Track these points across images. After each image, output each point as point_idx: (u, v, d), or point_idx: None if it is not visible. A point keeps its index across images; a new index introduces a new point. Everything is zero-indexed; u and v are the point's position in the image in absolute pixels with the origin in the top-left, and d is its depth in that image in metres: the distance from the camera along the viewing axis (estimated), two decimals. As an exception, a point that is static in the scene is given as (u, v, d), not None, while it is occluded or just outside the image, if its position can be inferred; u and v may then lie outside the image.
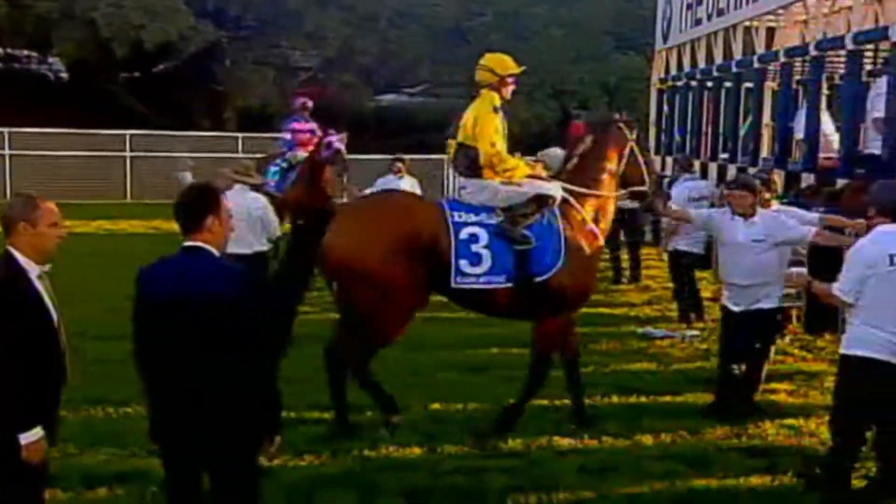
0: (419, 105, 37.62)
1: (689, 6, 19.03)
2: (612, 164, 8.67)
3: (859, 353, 6.53)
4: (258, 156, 18.56)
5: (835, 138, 12.85)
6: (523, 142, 23.73)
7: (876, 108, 11.23)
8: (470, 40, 36.37)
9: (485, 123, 8.23)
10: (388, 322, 8.10)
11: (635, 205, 10.31)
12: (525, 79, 30.69)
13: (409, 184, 15.18)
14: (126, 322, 5.05)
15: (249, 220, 10.70)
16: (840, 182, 11.31)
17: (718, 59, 17.35)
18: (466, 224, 8.08)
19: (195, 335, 4.83)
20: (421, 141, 29.91)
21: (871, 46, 12.30)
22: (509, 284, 8.11)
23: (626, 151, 8.73)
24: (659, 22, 21.56)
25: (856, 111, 11.79)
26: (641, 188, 8.80)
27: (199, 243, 4.96)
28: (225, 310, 4.82)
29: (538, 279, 8.12)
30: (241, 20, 34.68)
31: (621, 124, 8.88)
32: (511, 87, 8.67)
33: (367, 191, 14.55)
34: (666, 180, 14.19)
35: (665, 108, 20.32)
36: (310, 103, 17.74)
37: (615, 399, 9.24)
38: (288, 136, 17.25)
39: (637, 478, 7.18)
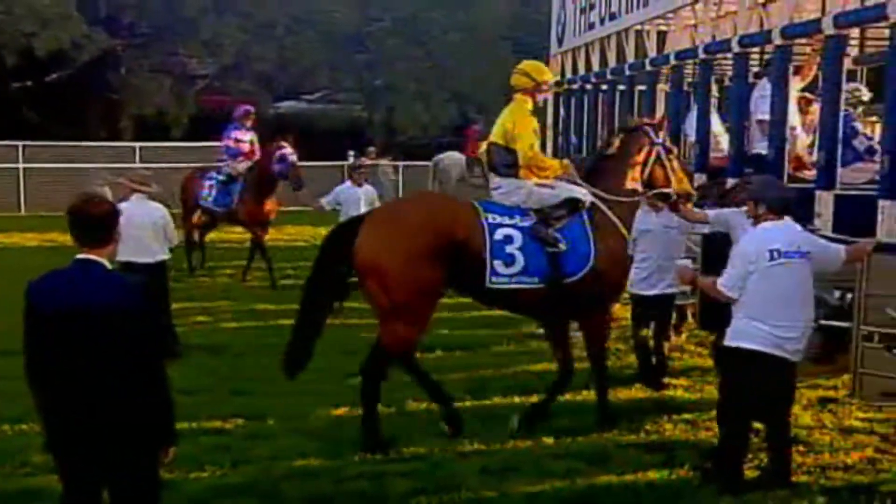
0: (318, 112, 37.49)
1: (583, 10, 19.20)
2: (637, 166, 8.88)
3: (743, 345, 6.88)
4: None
5: (724, 138, 13.06)
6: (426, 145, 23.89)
7: (760, 109, 11.46)
8: (368, 46, 36.37)
9: (523, 126, 8.56)
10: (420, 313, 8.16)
11: None
12: (424, 83, 30.76)
13: (366, 191, 14.77)
14: (19, 338, 4.93)
15: (154, 230, 10.71)
16: (730, 181, 11.49)
17: (612, 63, 17.52)
18: (501, 226, 8.24)
19: (90, 346, 4.80)
20: (320, 147, 29.85)
21: (756, 49, 12.54)
22: (542, 285, 8.28)
23: (652, 154, 8.90)
24: (553, 26, 21.72)
25: (742, 112, 12.01)
26: (666, 189, 8.94)
27: (92, 256, 4.94)
28: (119, 320, 4.82)
29: (569, 280, 8.31)
30: (136, 27, 34.19)
31: (647, 127, 9.08)
32: (546, 94, 9.07)
33: (323, 200, 14.41)
34: None
35: (562, 111, 20.48)
36: (252, 110, 17.39)
37: (516, 399, 9.27)
38: (231, 143, 16.85)
39: (538, 477, 7.24)
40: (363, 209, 12.52)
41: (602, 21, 17.84)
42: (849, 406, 8.79)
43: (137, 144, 30.08)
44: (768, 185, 7.50)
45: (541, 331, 11.93)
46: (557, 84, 21.26)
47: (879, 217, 8.77)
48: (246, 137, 16.85)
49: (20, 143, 28.22)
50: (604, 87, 18.07)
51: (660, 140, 8.97)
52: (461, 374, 10.06)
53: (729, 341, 7.06)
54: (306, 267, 8.85)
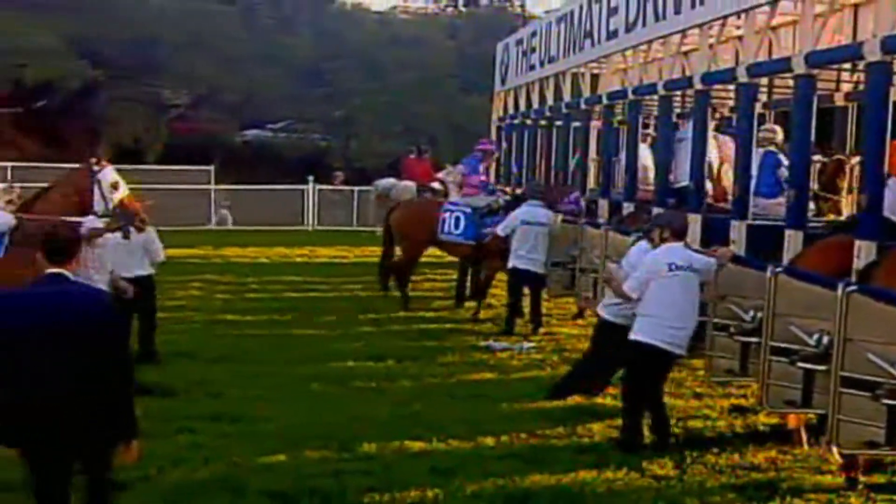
0: (282, 140, 37.50)
1: (525, 53, 19.37)
2: None
3: (640, 338, 8.08)
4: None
5: (652, 172, 13.22)
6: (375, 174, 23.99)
7: (683, 148, 11.64)
8: (328, 79, 36.37)
9: None
10: None
11: None
12: (381, 116, 30.71)
13: None
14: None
15: (130, 247, 10.51)
16: (654, 210, 11.67)
17: (550, 101, 17.69)
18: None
19: (63, 352, 4.89)
20: (284, 173, 30.06)
21: (678, 93, 12.74)
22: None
23: None
24: (497, 67, 21.89)
25: (667, 149, 12.19)
26: None
27: (63, 271, 5.13)
28: (92, 327, 4.98)
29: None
30: (116, 61, 33.98)
31: None
32: None
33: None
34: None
35: (504, 143, 20.62)
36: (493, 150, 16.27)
37: (460, 405, 9.34)
38: (484, 178, 15.38)
39: (481, 476, 7.28)
40: None
41: (542, 63, 18.00)
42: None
43: (112, 167, 29.75)
44: (674, 217, 8.81)
45: (483, 343, 12.12)
46: (500, 119, 21.49)
47: (786, 244, 8.97)
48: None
49: (9, 164, 27.91)
50: (542, 122, 18.23)
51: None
52: (411, 382, 10.15)
53: (632, 335, 8.16)
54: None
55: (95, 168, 9.68)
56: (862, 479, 7.20)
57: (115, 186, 9.68)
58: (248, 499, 6.79)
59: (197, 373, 10.49)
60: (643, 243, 8.94)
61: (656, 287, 8.04)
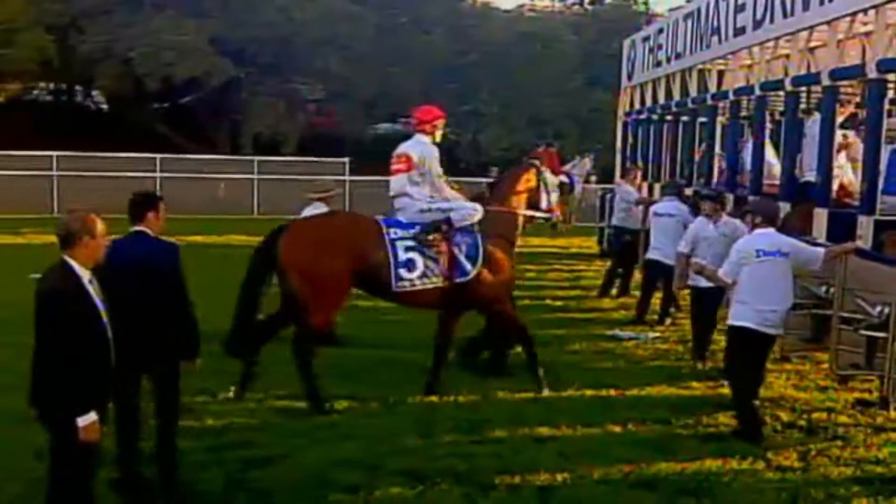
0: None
1: (651, 50, 19.21)
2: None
3: (734, 322, 8.14)
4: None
5: (777, 167, 13.00)
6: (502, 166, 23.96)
7: (810, 143, 11.41)
8: (458, 75, 36.52)
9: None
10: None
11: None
12: (509, 111, 30.66)
13: None
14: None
15: None
16: (781, 205, 11.48)
17: (676, 97, 17.51)
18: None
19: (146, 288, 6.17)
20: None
21: (804, 89, 12.50)
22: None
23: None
24: (624, 63, 21.74)
25: (793, 144, 11.97)
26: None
27: (142, 228, 6.42)
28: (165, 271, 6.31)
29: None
30: (257, 58, 34.76)
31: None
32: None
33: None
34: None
35: (629, 138, 20.47)
36: None
37: (588, 393, 9.33)
38: None
39: (608, 462, 7.25)
40: None
41: (669, 60, 17.83)
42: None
43: (256, 158, 30.54)
44: (762, 203, 8.87)
45: (610, 332, 12.05)
46: (625, 114, 21.35)
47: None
48: None
49: (158, 156, 28.78)
50: (668, 117, 18.05)
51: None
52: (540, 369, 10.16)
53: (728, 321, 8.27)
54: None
55: (542, 168, 9.89)
56: None
57: (555, 187, 9.94)
58: (382, 477, 6.89)
59: (333, 354, 10.69)
60: (701, 218, 9.70)
61: (746, 273, 8.08)
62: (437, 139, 9.28)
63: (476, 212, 9.06)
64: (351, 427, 8.07)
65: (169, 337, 6.26)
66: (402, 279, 8.67)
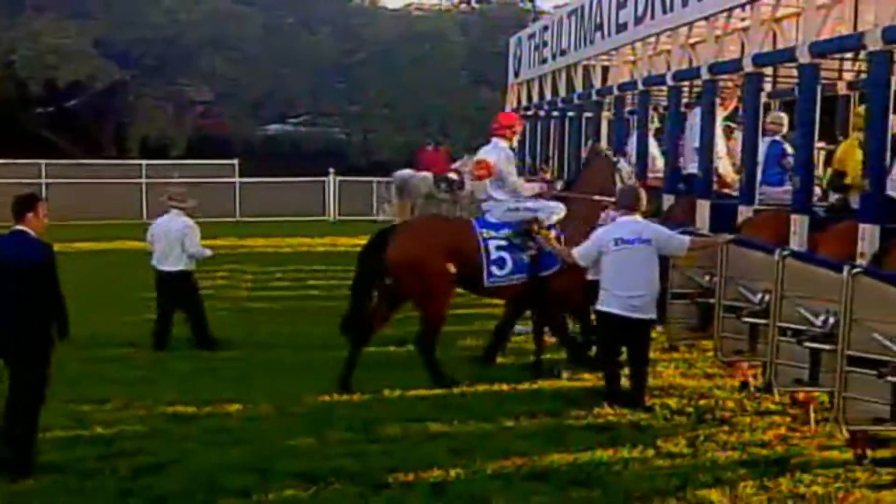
0: (302, 134, 37.65)
1: (537, 47, 19.32)
2: None
3: (599, 308, 8.67)
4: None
5: (661, 160, 13.17)
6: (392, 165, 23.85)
7: (692, 136, 11.58)
8: (347, 76, 36.32)
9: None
10: None
11: None
12: (398, 110, 30.48)
13: None
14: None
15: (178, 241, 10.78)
16: (665, 198, 11.66)
17: (562, 93, 17.65)
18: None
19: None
20: (304, 165, 30.14)
21: (686, 83, 12.69)
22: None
23: None
24: (510, 60, 21.84)
25: (676, 137, 12.14)
26: None
27: (22, 227, 6.91)
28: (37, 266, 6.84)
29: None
30: (142, 60, 34.06)
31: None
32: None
33: None
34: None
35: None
36: None
37: (480, 387, 9.37)
38: None
39: (501, 455, 7.26)
40: None
41: (554, 56, 17.97)
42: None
43: (143, 162, 29.95)
44: (621, 193, 9.23)
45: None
46: (513, 111, 21.45)
47: (792, 228, 8.94)
48: None
49: (42, 162, 28.01)
50: (555, 113, 18.20)
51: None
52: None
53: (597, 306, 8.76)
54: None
55: (615, 159, 10.64)
56: (868, 454, 7.19)
57: (629, 176, 10.48)
58: (275, 479, 6.81)
59: (224, 357, 10.54)
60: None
61: (607, 261, 8.54)
62: (514, 144, 10.24)
63: (561, 210, 9.74)
64: (242, 431, 7.99)
65: (37, 327, 6.79)
66: (493, 276, 9.49)
